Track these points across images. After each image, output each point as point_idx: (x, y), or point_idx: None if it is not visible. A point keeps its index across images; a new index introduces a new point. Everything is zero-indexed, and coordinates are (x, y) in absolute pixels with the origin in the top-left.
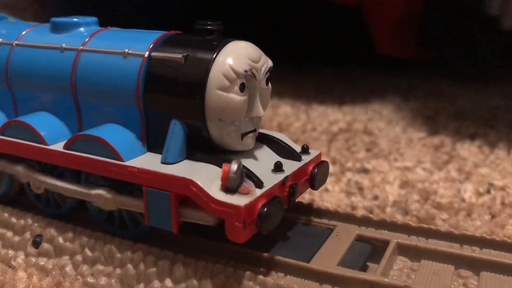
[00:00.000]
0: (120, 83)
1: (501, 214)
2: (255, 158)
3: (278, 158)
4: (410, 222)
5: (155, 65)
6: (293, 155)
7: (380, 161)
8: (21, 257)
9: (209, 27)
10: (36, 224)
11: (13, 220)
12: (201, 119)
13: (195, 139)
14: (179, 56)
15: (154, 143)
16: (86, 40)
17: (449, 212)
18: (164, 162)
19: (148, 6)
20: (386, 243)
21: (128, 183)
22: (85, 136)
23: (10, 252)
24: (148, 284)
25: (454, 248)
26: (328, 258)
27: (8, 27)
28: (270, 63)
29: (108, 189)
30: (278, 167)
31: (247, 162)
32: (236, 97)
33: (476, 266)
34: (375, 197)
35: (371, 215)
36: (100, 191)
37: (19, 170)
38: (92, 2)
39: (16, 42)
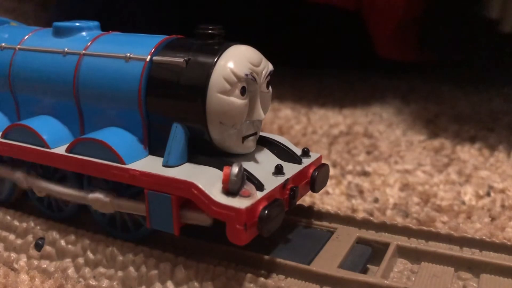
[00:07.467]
0: (122, 87)
1: (501, 216)
2: (256, 161)
3: (279, 161)
4: (410, 225)
5: (157, 69)
6: (294, 158)
7: (381, 164)
8: (23, 260)
9: (210, 31)
10: (38, 227)
11: (16, 223)
12: (202, 122)
13: (196, 142)
14: (181, 60)
15: (155, 146)
16: (88, 44)
17: (449, 214)
18: (165, 165)
19: (149, 10)
20: (386, 245)
21: (129, 186)
22: (87, 139)
23: (12, 254)
24: (150, 287)
25: (454, 251)
26: (329, 260)
27: (11, 31)
28: (270, 66)
29: (106, 193)
30: (278, 170)
31: (248, 165)
32: (237, 100)
33: (476, 268)
34: (376, 200)
35: (371, 218)
36: (97, 195)
37: (19, 176)
38: (94, 6)
39: (18, 46)
